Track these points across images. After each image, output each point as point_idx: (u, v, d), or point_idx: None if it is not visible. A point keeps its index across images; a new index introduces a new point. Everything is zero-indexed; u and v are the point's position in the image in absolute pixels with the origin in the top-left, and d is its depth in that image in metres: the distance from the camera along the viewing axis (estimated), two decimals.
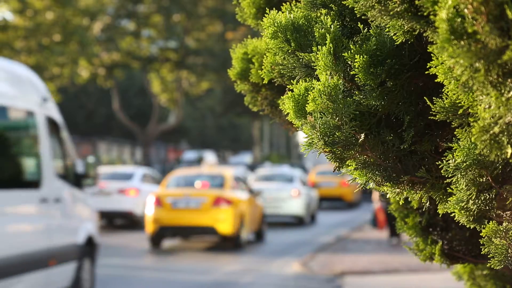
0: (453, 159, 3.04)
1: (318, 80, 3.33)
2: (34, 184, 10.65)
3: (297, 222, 28.02)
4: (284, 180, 29.39)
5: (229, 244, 20.05)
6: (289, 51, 3.51)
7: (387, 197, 3.63)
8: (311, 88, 3.30)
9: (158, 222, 19.86)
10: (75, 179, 11.94)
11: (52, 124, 11.34)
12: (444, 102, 3.05)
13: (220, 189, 20.68)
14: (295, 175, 29.77)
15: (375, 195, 20.27)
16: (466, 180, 3.09)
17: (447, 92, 3.02)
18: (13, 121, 10.79)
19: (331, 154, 3.37)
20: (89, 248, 12.19)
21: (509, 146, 2.75)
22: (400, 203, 4.35)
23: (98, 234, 12.66)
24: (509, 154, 2.76)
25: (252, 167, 49.03)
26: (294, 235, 24.09)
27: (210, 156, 63.02)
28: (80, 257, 11.84)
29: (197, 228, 20.01)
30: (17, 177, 10.58)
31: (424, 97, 3.21)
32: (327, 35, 3.31)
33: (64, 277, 11.33)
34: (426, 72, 3.10)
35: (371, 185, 3.50)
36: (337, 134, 3.27)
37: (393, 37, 3.18)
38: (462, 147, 3.00)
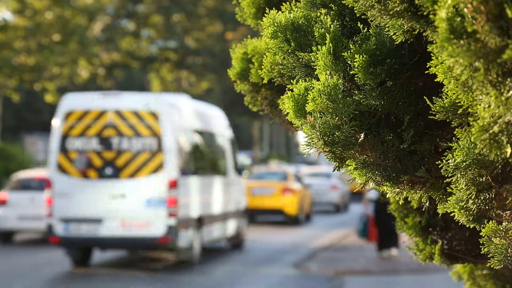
0: (453, 159, 3.04)
1: (318, 80, 3.33)
2: (225, 173, 19.54)
3: (334, 210, 35.55)
4: (324, 177, 36.42)
5: (293, 221, 27.61)
6: (289, 51, 3.50)
7: (387, 196, 3.63)
8: (311, 88, 3.30)
9: None
10: (239, 171, 20.60)
11: (230, 140, 20.29)
12: (444, 102, 3.05)
13: (285, 181, 28.08)
14: (333, 173, 31.52)
15: (367, 199, 18.49)
16: (466, 180, 3.09)
17: (447, 91, 3.02)
18: (218, 140, 19.58)
19: (331, 153, 3.37)
20: (245, 212, 20.84)
21: (508, 145, 2.75)
22: (400, 203, 4.35)
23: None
24: (508, 154, 2.76)
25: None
26: (335, 219, 31.59)
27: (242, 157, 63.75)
28: (241, 217, 20.30)
29: (270, 210, 27.59)
30: (220, 169, 19.31)
31: (424, 97, 3.21)
32: (327, 35, 3.31)
33: (233, 227, 19.75)
34: (426, 72, 3.10)
35: (371, 184, 3.50)
36: (337, 133, 3.27)
37: (393, 36, 3.18)
38: (461, 146, 3.00)
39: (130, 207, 15.67)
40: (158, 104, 15.99)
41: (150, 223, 15.63)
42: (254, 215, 27.90)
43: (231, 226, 19.55)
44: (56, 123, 16.04)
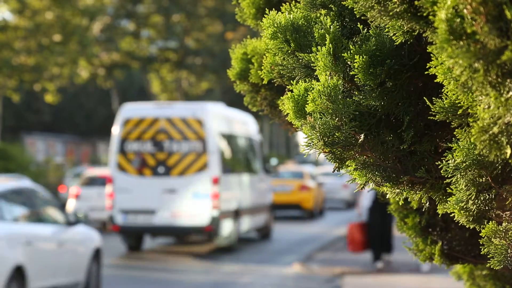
0: (453, 159, 3.04)
1: (318, 80, 3.33)
2: (255, 172, 22.42)
3: (346, 206, 38.07)
4: (336, 176, 37.68)
5: (309, 215, 31.11)
6: (289, 51, 3.50)
7: (387, 197, 3.63)
8: (311, 89, 3.30)
9: None
10: (266, 170, 23.55)
11: (259, 143, 23.29)
12: (444, 102, 3.05)
13: (302, 180, 31.54)
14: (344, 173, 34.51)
15: (361, 206, 16.89)
16: (466, 180, 3.09)
17: (447, 92, 3.02)
18: (250, 143, 22.48)
19: (330, 154, 3.37)
20: (271, 207, 23.63)
21: (508, 146, 2.75)
22: (400, 204, 4.35)
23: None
24: (508, 154, 2.76)
25: None
26: (346, 214, 33.13)
27: None
28: (268, 211, 23.04)
29: (289, 205, 30.89)
30: (251, 168, 22.22)
31: (424, 97, 3.21)
32: (327, 35, 3.31)
33: (263, 220, 22.56)
34: (426, 72, 3.10)
35: (371, 185, 3.50)
36: (337, 134, 3.27)
37: (393, 37, 3.18)
38: (461, 147, 3.00)
39: (179, 200, 18.46)
40: (203, 112, 18.72)
41: (196, 214, 18.40)
42: (274, 210, 29.75)
43: (260, 218, 22.50)
44: (116, 129, 18.95)
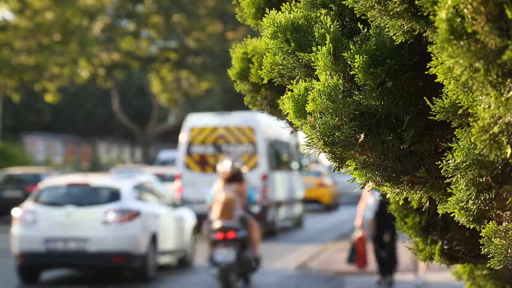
0: (453, 159, 3.04)
1: (318, 80, 3.33)
2: (292, 170, 26.89)
3: (358, 202, 39.51)
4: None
5: (327, 209, 35.67)
6: (289, 51, 3.50)
7: (387, 197, 3.63)
8: (311, 88, 3.30)
9: None
10: (300, 169, 28.05)
11: (294, 145, 27.43)
12: (444, 102, 3.05)
13: (320, 177, 35.91)
14: None
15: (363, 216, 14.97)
16: (466, 180, 3.09)
17: (447, 92, 3.02)
18: (288, 145, 26.94)
19: (331, 154, 3.36)
20: (302, 200, 28.12)
21: (508, 146, 2.75)
22: (400, 203, 4.35)
23: None
24: (508, 154, 2.76)
25: None
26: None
27: None
28: (301, 203, 27.38)
29: (310, 200, 33.88)
30: (289, 167, 26.65)
31: (424, 97, 3.21)
32: (327, 35, 3.30)
33: (297, 211, 27.07)
34: (426, 72, 3.10)
35: (371, 185, 3.50)
36: (337, 134, 3.27)
37: (393, 37, 3.18)
38: (461, 147, 3.00)
39: None
40: (253, 122, 23.11)
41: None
42: None
43: (295, 209, 26.81)
44: (183, 136, 23.52)
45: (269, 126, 24.08)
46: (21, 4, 36.99)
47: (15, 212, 14.97)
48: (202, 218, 21.99)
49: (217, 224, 12.73)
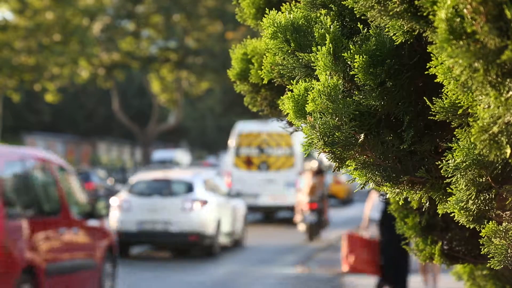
0: (453, 159, 3.04)
1: (318, 80, 3.33)
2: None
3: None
4: None
5: (343, 203, 38.52)
6: (289, 51, 3.50)
7: (387, 197, 3.63)
8: (311, 88, 3.30)
9: None
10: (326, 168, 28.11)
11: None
12: (444, 102, 3.05)
13: (335, 175, 36.89)
14: None
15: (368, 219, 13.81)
16: (466, 180, 3.09)
17: (447, 92, 3.02)
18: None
19: (331, 154, 3.37)
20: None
21: (508, 146, 2.75)
22: (400, 203, 4.35)
23: None
24: (508, 154, 2.76)
25: None
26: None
27: (183, 156, 60.87)
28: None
29: (328, 195, 36.41)
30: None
31: (424, 97, 3.21)
32: (327, 35, 3.30)
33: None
34: (426, 72, 3.10)
35: (371, 185, 3.50)
36: (337, 134, 3.27)
37: (393, 37, 3.18)
38: (461, 147, 3.00)
39: (276, 187, 27.08)
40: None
41: (287, 197, 26.93)
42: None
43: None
44: (232, 140, 27.59)
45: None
46: (21, 4, 36.99)
47: (113, 201, 18.93)
48: (249, 208, 26.26)
49: (307, 198, 22.05)
